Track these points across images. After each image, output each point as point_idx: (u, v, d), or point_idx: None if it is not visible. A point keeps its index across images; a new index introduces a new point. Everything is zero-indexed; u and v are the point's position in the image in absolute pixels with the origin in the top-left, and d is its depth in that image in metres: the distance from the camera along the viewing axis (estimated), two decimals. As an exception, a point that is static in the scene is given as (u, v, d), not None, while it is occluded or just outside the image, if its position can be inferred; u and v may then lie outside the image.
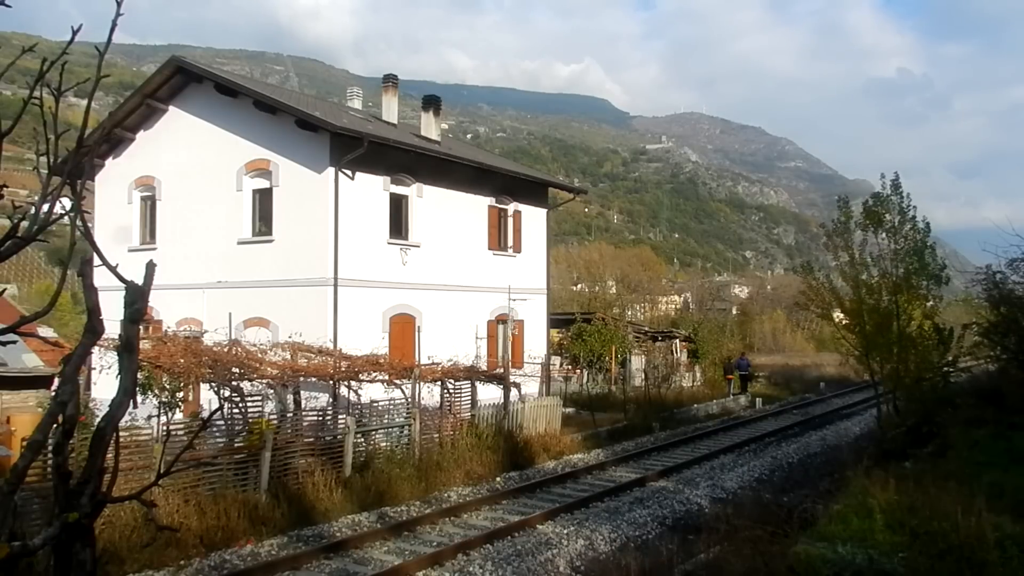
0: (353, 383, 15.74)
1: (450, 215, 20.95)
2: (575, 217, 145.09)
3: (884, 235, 16.83)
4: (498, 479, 14.32)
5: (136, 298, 2.49)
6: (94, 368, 17.39)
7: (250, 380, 13.48)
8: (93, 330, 2.41)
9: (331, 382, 15.90)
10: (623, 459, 16.48)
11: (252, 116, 18.88)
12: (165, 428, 12.16)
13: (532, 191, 24.48)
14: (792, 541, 7.93)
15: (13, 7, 2.43)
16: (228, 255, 19.20)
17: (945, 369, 16.64)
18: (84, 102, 2.45)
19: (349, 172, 17.85)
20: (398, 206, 19.61)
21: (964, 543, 6.77)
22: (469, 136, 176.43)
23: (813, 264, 18.99)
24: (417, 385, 15.43)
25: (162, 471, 2.75)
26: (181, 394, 13.67)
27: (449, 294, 20.61)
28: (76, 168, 2.47)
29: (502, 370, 18.33)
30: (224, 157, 19.45)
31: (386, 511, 11.87)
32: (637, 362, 29.88)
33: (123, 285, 2.50)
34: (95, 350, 10.41)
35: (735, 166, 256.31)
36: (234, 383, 13.21)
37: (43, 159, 2.42)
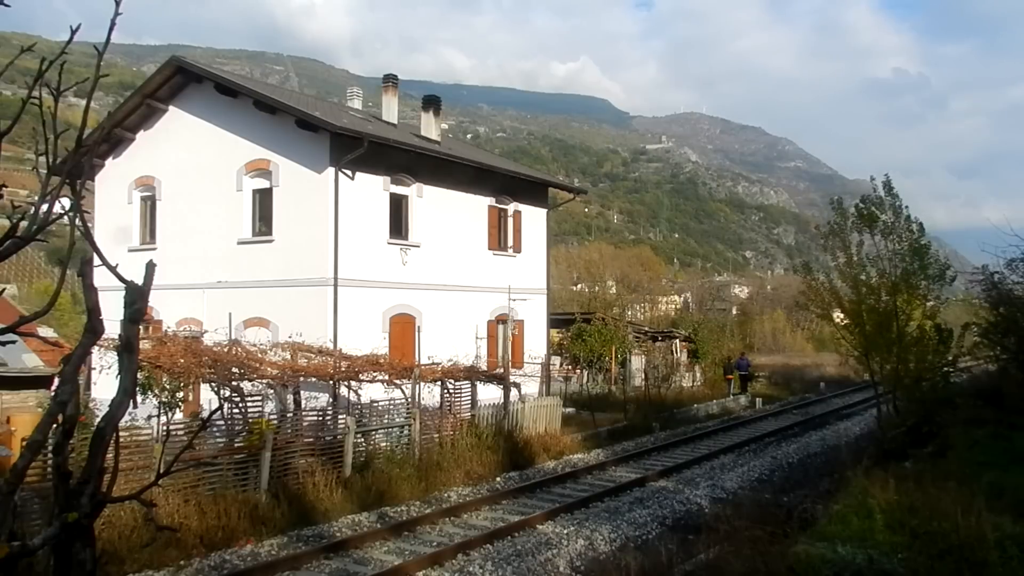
0: (353, 383, 15.74)
1: (450, 215, 20.95)
2: (575, 217, 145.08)
3: (879, 236, 16.84)
4: (498, 479, 14.32)
5: (136, 298, 2.49)
6: (94, 368, 17.38)
7: (250, 380, 13.48)
8: (93, 330, 2.41)
9: (331, 382, 15.90)
10: (623, 459, 16.48)
11: (252, 116, 18.88)
12: (165, 428, 12.16)
13: (532, 191, 24.48)
14: (792, 541, 7.92)
15: (12, 7, 2.43)
16: (228, 255, 19.20)
17: (945, 369, 16.63)
18: (83, 102, 2.45)
19: (349, 172, 17.85)
20: (398, 206, 19.62)
21: (964, 543, 6.77)
22: (469, 136, 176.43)
23: (813, 264, 19.01)
24: (417, 385, 15.43)
25: (162, 471, 2.75)
26: (181, 394, 13.66)
27: (449, 294, 20.61)
28: (76, 168, 2.47)
29: (502, 370, 18.33)
30: (224, 157, 19.45)
31: (386, 511, 11.87)
32: (637, 362, 29.89)
33: (123, 285, 2.50)
34: (95, 350, 10.41)
35: (735, 166, 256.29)
36: (234, 383, 13.21)
37: (42, 159, 2.41)
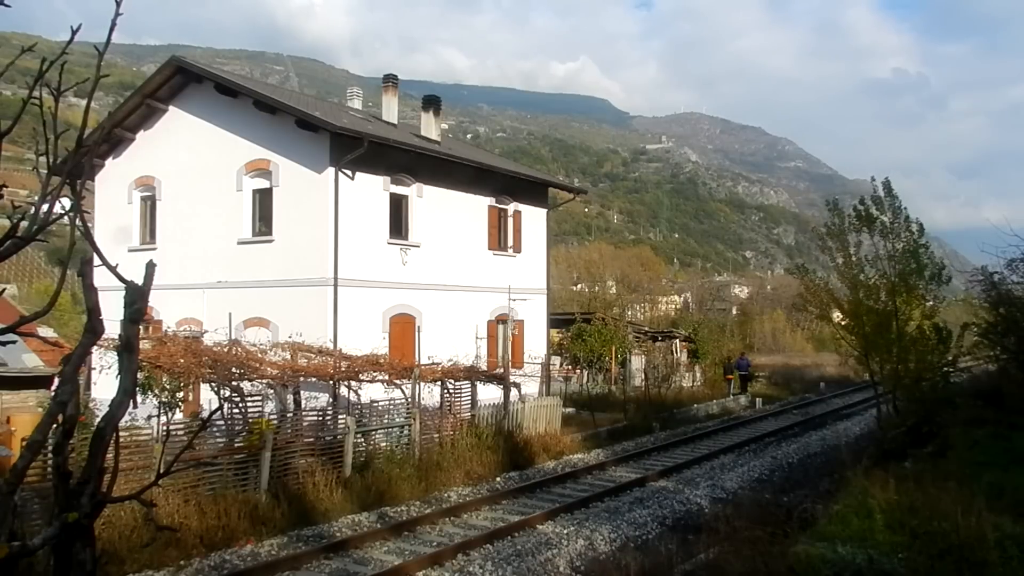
0: (353, 383, 15.74)
1: (450, 215, 20.95)
2: (575, 217, 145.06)
3: (878, 236, 16.84)
4: (498, 479, 14.32)
5: (136, 298, 2.49)
6: (94, 368, 17.39)
7: (250, 380, 13.47)
8: (93, 330, 2.41)
9: (331, 382, 15.90)
10: (623, 459, 16.48)
11: (252, 116, 18.88)
12: (165, 428, 12.16)
13: (532, 191, 24.48)
14: (792, 541, 7.93)
15: (12, 7, 2.43)
16: (228, 255, 19.20)
17: (945, 369, 16.63)
18: (84, 102, 2.45)
19: (349, 172, 17.85)
20: (398, 206, 19.61)
21: (964, 543, 6.77)
22: (469, 136, 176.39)
23: (811, 265, 19.02)
24: (417, 385, 15.43)
25: (162, 471, 2.75)
26: (181, 394, 13.67)
27: (449, 294, 20.61)
28: (76, 168, 2.47)
29: (502, 370, 18.33)
30: (224, 157, 19.45)
31: (386, 511, 11.87)
32: (637, 362, 29.87)
33: (123, 285, 2.50)
34: (95, 350, 10.41)
35: (735, 166, 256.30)
36: (234, 383, 13.21)
37: (43, 159, 2.42)
